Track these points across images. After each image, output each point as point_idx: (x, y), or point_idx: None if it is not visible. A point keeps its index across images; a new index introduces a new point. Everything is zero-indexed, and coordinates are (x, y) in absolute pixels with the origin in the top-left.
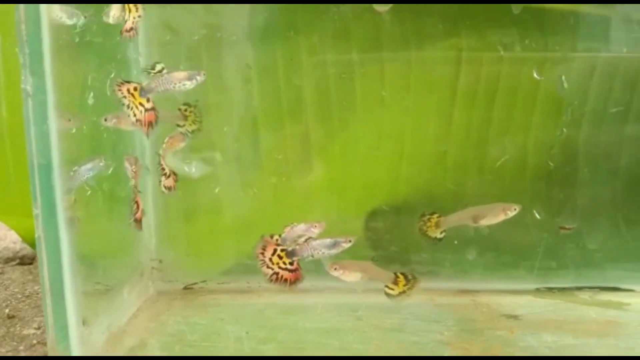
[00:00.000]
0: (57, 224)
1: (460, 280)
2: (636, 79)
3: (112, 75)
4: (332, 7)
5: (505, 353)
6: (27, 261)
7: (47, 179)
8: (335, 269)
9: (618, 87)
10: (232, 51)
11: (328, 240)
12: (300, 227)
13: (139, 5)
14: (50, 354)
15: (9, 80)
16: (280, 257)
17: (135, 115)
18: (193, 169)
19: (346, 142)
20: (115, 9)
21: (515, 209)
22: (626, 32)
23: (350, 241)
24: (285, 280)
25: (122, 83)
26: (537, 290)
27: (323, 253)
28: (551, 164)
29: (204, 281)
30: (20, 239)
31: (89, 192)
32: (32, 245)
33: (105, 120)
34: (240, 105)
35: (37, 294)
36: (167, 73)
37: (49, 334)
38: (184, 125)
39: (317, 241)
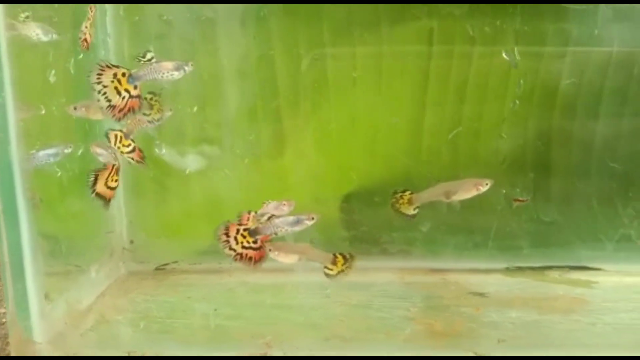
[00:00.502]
0: (16, 201)
1: (432, 260)
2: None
3: (80, 57)
4: None
5: (467, 328)
6: None
7: (5, 154)
8: (270, 250)
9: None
10: (202, 33)
11: (291, 218)
12: (271, 205)
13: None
14: (10, 326)
15: None
16: (243, 237)
17: (109, 100)
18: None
19: (319, 124)
20: None
21: (487, 184)
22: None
23: (312, 218)
24: (250, 258)
25: (107, 67)
26: (507, 269)
27: (286, 230)
28: (504, 135)
29: (175, 262)
30: None
31: (59, 174)
32: None
33: (75, 109)
34: (211, 87)
35: None
36: (156, 62)
37: (8, 307)
38: (150, 114)
39: (280, 219)
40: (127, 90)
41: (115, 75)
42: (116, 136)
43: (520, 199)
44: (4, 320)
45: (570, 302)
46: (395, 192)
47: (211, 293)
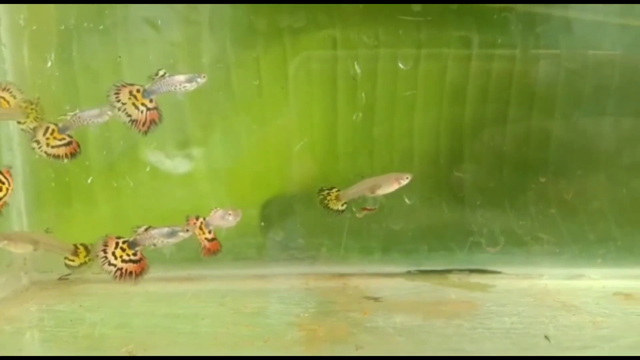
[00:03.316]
0: None
1: (338, 265)
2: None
3: None
4: None
5: (349, 333)
6: None
7: None
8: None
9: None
10: (97, 40)
11: (165, 229)
12: (218, 213)
13: None
14: None
15: None
16: (123, 250)
17: (130, 115)
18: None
19: (226, 131)
20: None
21: (407, 178)
22: None
23: (187, 230)
24: (131, 273)
25: (123, 85)
26: (409, 272)
27: (163, 242)
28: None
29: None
30: None
31: None
32: None
33: None
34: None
35: None
36: (169, 76)
37: None
38: (24, 122)
39: (156, 230)
40: (143, 104)
41: (130, 92)
42: (47, 128)
43: (368, 207)
44: None
45: (459, 306)
46: (322, 190)
47: (107, 302)
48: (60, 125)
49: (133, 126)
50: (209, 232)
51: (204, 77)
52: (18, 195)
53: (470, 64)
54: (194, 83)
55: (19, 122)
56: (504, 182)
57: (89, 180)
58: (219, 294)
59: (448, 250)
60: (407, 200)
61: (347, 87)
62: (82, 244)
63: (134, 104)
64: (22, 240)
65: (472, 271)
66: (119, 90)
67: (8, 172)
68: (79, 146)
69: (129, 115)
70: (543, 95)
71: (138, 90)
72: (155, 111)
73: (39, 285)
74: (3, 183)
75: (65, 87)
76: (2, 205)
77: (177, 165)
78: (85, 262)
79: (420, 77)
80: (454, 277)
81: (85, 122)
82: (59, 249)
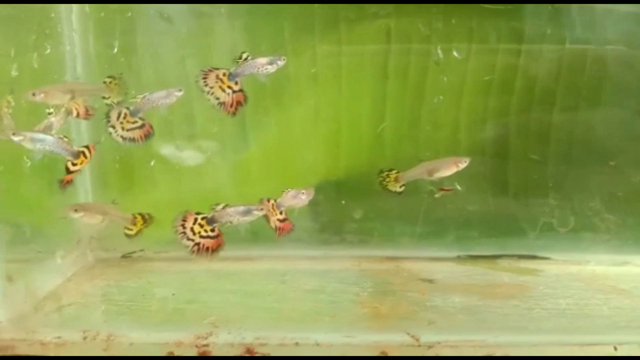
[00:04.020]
0: None
1: (389, 249)
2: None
3: (48, 52)
4: None
5: (411, 311)
6: None
7: None
8: (77, 210)
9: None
10: (162, 27)
11: (241, 208)
12: (290, 193)
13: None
14: None
15: None
16: (201, 226)
17: (218, 98)
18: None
19: (281, 119)
20: None
21: (465, 162)
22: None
23: (262, 209)
24: (207, 248)
25: (210, 70)
26: (459, 257)
27: (239, 219)
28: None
29: (142, 250)
30: None
31: (28, 164)
32: None
33: (33, 95)
34: (175, 79)
35: None
36: (251, 59)
37: None
38: (109, 98)
39: (232, 208)
40: (229, 87)
41: (217, 76)
42: (120, 113)
43: (446, 188)
44: None
45: (512, 288)
46: (382, 171)
47: (173, 279)
48: (131, 108)
49: (221, 108)
50: (281, 212)
51: (284, 59)
52: (84, 176)
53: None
54: (274, 65)
55: (103, 98)
56: (574, 166)
57: (152, 163)
58: (277, 273)
59: (498, 236)
60: (458, 187)
61: (398, 76)
62: (139, 214)
63: (220, 87)
64: (96, 211)
65: (520, 257)
66: (207, 74)
67: (94, 146)
68: (152, 128)
69: (217, 98)
70: (614, 84)
71: (224, 74)
72: (240, 93)
73: (104, 263)
74: (85, 156)
75: (130, 73)
76: (73, 174)
77: (234, 150)
78: (141, 230)
79: (496, 63)
80: (503, 262)
81: (154, 104)
82: (122, 219)
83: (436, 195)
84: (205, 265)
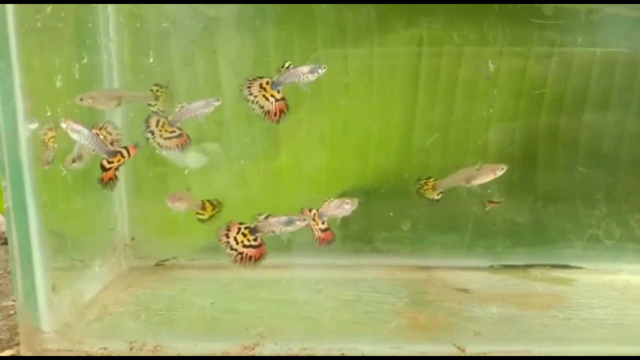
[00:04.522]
0: (25, 196)
1: (420, 258)
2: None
3: (85, 61)
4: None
5: (450, 322)
6: None
7: (15, 152)
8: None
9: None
10: (199, 39)
11: (284, 218)
12: (334, 203)
13: None
14: (19, 317)
15: None
16: (244, 235)
17: (262, 107)
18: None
19: (312, 128)
20: None
21: (503, 169)
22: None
23: (304, 220)
24: (250, 258)
25: (254, 79)
26: (491, 267)
27: (281, 229)
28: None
29: (175, 258)
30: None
31: (64, 172)
32: None
33: (81, 100)
34: (210, 89)
35: None
36: (293, 68)
37: (17, 299)
38: (155, 105)
39: (275, 218)
40: (272, 96)
41: (261, 85)
42: (158, 121)
43: (495, 200)
44: (11, 312)
45: (548, 298)
46: (420, 179)
47: (208, 287)
48: (169, 118)
49: (266, 117)
50: (322, 222)
51: (324, 67)
52: (120, 183)
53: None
54: (315, 73)
55: (149, 105)
56: (603, 175)
57: (186, 172)
58: (310, 281)
59: (529, 245)
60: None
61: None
62: (208, 200)
63: (264, 95)
64: (185, 199)
65: (553, 266)
66: (251, 83)
67: (134, 148)
68: (189, 138)
69: (262, 107)
70: None
71: (267, 83)
72: (282, 101)
73: (139, 270)
74: (122, 156)
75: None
76: (110, 172)
77: (265, 158)
78: (213, 215)
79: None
80: (535, 272)
81: (192, 114)
82: (195, 205)
83: (486, 208)
84: (237, 274)
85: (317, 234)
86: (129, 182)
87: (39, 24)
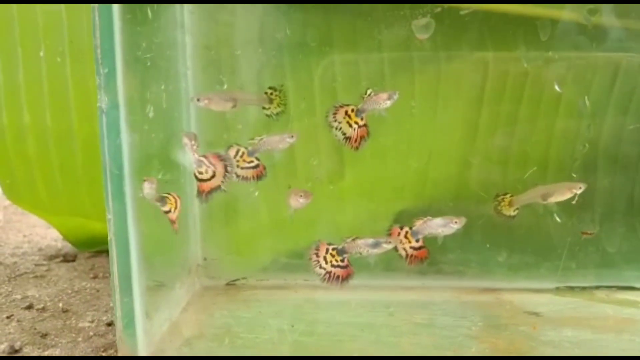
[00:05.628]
0: (127, 227)
1: (485, 279)
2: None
3: (163, 87)
4: (366, 18)
5: (529, 347)
6: (69, 258)
7: (119, 186)
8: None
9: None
10: (266, 64)
11: (371, 240)
12: (435, 222)
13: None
14: (119, 344)
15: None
16: (332, 255)
17: (345, 133)
18: None
19: (376, 149)
20: None
21: (580, 187)
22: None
23: (390, 242)
24: (338, 277)
25: (340, 106)
26: (558, 289)
27: (368, 251)
28: (574, 175)
29: (244, 278)
30: (60, 236)
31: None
32: (74, 243)
33: (198, 100)
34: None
35: (85, 289)
36: (374, 95)
37: (117, 326)
38: (269, 108)
39: (362, 240)
40: (356, 122)
41: (346, 112)
42: (238, 151)
43: (589, 232)
44: (90, 334)
45: (621, 322)
46: (497, 195)
47: (281, 309)
48: (249, 148)
49: (346, 143)
50: (417, 240)
51: (398, 93)
52: (193, 206)
53: None
54: (392, 100)
55: (263, 108)
56: None
57: (256, 194)
58: (380, 304)
59: (595, 267)
60: (557, 219)
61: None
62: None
63: (347, 122)
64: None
65: (619, 288)
66: (337, 110)
67: (224, 166)
68: (265, 169)
69: (344, 134)
70: None
71: (352, 110)
72: (364, 127)
73: (212, 291)
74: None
75: (240, 109)
76: (204, 184)
77: (330, 180)
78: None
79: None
80: (600, 293)
81: (270, 147)
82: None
83: (582, 238)
84: (305, 294)
85: (408, 252)
86: (200, 203)
87: (138, 54)
